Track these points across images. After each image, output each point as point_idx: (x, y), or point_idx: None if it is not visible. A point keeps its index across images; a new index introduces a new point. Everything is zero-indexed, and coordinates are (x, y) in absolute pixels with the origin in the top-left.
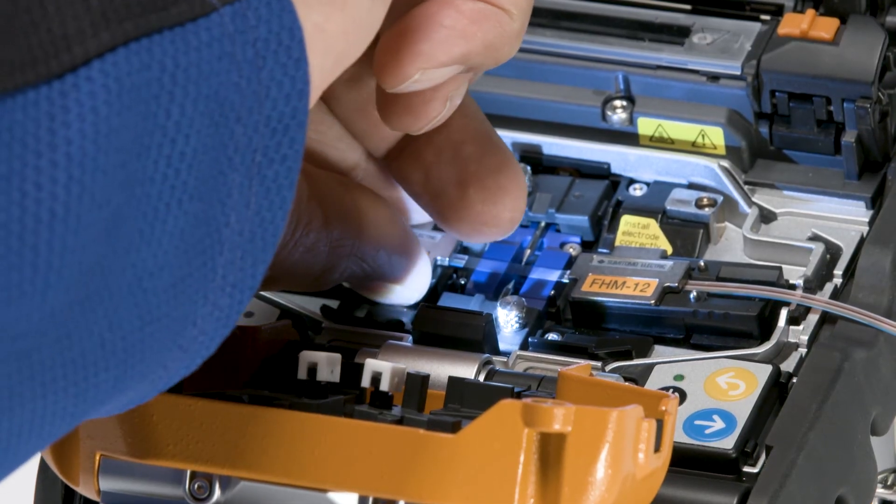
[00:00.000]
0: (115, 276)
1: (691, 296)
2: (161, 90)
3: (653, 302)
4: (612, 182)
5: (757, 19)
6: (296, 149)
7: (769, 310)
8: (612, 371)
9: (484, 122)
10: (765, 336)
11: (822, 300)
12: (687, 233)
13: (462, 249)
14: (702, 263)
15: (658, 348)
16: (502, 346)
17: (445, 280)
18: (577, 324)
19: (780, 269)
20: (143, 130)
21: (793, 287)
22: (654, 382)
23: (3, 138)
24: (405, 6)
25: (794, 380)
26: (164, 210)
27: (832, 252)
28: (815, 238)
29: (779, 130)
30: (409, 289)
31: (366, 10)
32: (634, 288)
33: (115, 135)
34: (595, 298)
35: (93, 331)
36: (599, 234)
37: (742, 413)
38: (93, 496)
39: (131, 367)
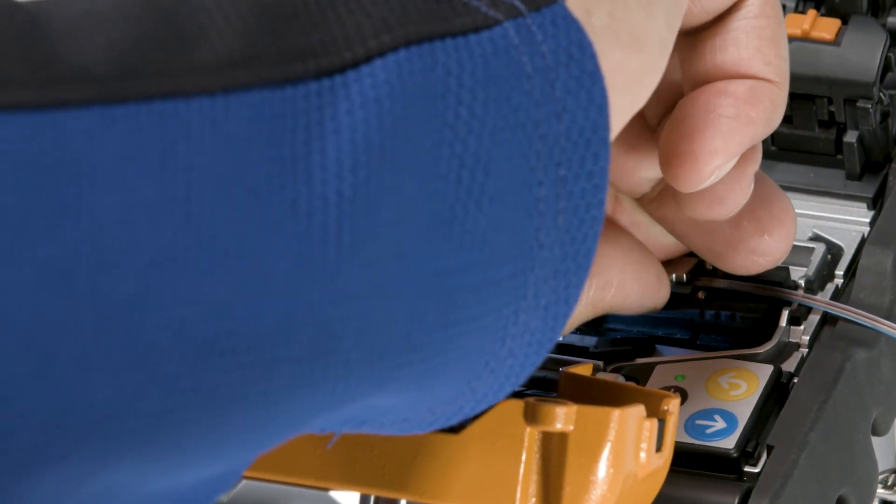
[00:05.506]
0: (416, 267)
1: (698, 297)
2: (447, 91)
3: None
4: None
5: None
6: (601, 165)
7: (776, 311)
8: (614, 370)
9: None
10: (769, 336)
11: (823, 301)
12: None
13: None
14: (707, 264)
15: (659, 348)
16: None
17: None
18: (585, 324)
19: (787, 269)
20: (431, 129)
21: (795, 287)
22: (655, 382)
23: (287, 123)
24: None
25: (796, 380)
26: (462, 210)
27: (833, 252)
28: (816, 238)
29: (780, 130)
30: (647, 308)
31: (658, 55)
32: None
33: (403, 127)
34: None
35: (396, 318)
36: None
37: (743, 413)
38: None
39: (434, 366)
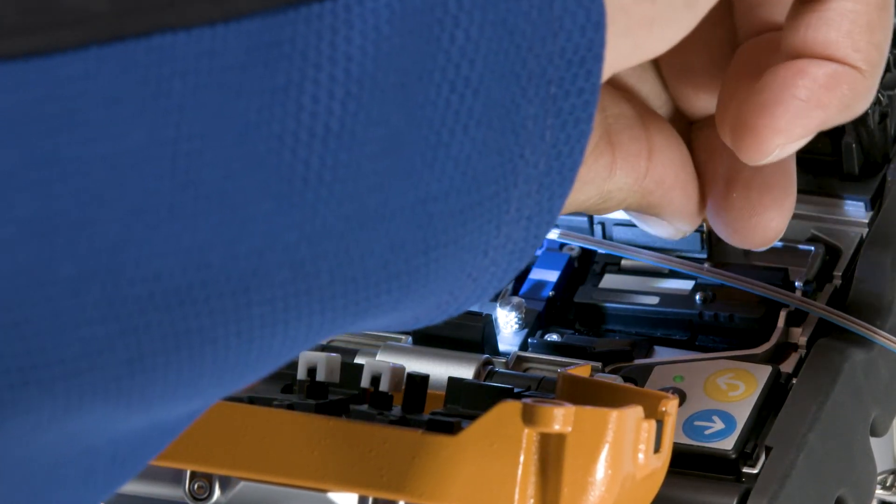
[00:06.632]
0: (397, 198)
1: (697, 298)
2: (445, 14)
3: (658, 303)
4: None
5: None
6: (592, 82)
7: (774, 311)
8: (612, 372)
9: None
10: (767, 337)
11: (820, 306)
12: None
13: None
14: (705, 266)
15: (658, 349)
16: (502, 347)
17: None
18: (582, 325)
19: (786, 270)
20: (426, 54)
21: (793, 288)
22: (653, 383)
23: (284, 50)
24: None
25: (794, 381)
26: (448, 135)
27: (832, 253)
28: (814, 239)
29: None
30: (680, 227)
31: (679, 8)
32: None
33: (397, 55)
34: (601, 300)
35: (374, 250)
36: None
37: (741, 414)
38: None
39: (414, 290)
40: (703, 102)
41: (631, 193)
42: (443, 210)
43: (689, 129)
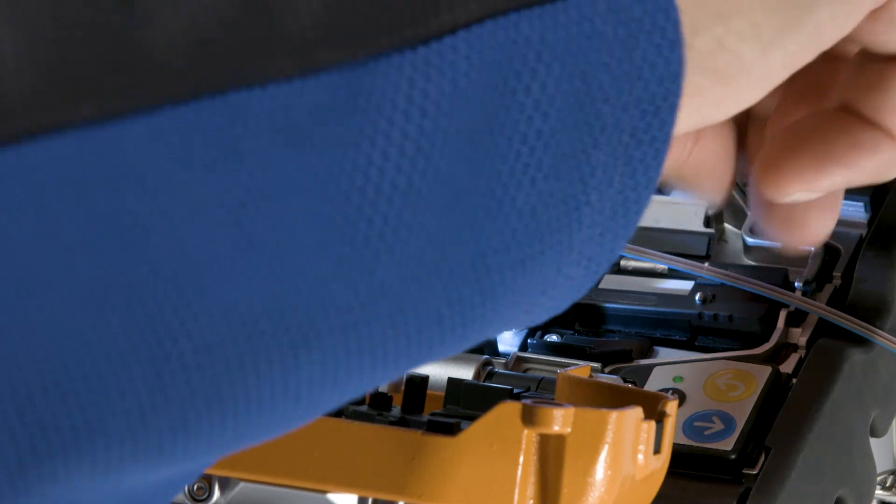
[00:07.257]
0: (455, 252)
1: (696, 298)
2: (524, 66)
3: (657, 303)
4: None
5: None
6: (666, 131)
7: (774, 312)
8: (612, 372)
9: None
10: (767, 338)
11: (820, 306)
12: None
13: None
14: (705, 266)
15: (657, 349)
16: (501, 348)
17: None
18: (582, 325)
19: (786, 271)
20: (500, 106)
21: (793, 289)
22: (653, 384)
23: (360, 103)
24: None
25: (794, 381)
26: (515, 188)
27: (831, 253)
28: None
29: None
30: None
31: (753, 89)
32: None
33: (470, 109)
34: (600, 300)
35: (429, 306)
36: None
37: (741, 414)
38: None
39: (468, 338)
40: (768, 98)
41: (667, 171)
42: (503, 262)
43: (749, 115)
